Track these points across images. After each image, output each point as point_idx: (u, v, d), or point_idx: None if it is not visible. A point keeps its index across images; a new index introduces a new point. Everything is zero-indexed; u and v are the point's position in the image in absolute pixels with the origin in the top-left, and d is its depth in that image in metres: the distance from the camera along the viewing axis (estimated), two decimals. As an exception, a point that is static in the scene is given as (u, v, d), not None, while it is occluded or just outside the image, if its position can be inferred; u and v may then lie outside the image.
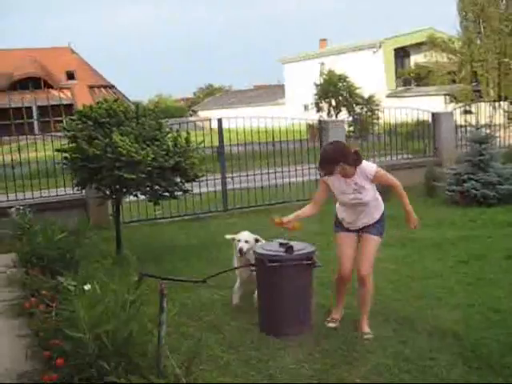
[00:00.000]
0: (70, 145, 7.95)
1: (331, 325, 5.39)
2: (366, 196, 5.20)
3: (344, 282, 5.47)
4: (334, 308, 5.58)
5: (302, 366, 4.66)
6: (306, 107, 36.69)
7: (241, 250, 5.87)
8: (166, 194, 8.07)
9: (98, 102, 8.40)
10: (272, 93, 57.33)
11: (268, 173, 12.62)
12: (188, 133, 8.42)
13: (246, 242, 5.93)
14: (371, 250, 5.33)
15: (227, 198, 12.23)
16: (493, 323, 5.41)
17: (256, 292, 5.85)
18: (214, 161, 12.41)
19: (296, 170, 12.84)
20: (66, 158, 8.07)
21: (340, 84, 32.38)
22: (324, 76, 33.91)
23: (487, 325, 5.38)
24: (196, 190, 10.55)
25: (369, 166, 5.20)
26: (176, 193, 8.18)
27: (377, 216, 5.33)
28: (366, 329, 5.30)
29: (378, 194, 5.33)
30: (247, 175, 12.52)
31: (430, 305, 5.98)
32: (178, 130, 8.53)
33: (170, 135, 8.22)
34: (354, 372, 4.52)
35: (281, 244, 5.35)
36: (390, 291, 6.39)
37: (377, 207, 5.34)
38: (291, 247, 5.25)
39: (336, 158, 5.08)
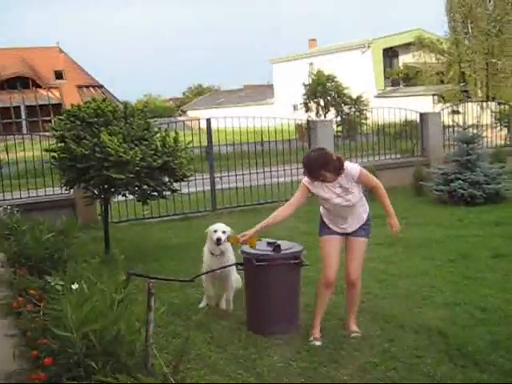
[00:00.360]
0: (58, 144, 7.94)
1: (318, 343, 5.12)
2: (353, 198, 5.14)
3: (329, 288, 5.31)
4: (315, 327, 5.27)
5: (290, 364, 4.69)
6: (295, 107, 36.83)
7: (219, 240, 5.77)
8: (155, 193, 8.07)
9: (86, 102, 8.40)
10: (261, 93, 57.39)
11: (257, 172, 12.65)
12: (176, 132, 8.43)
13: (224, 232, 5.85)
14: (361, 252, 5.30)
15: (216, 197, 12.24)
16: (479, 321, 5.46)
17: (225, 296, 6.01)
18: (203, 161, 12.42)
19: (284, 169, 12.86)
20: (54, 157, 8.06)
21: (328, 84, 32.50)
22: (312, 76, 34.02)
23: (473, 323, 5.43)
24: (185, 190, 10.56)
25: (353, 169, 5.11)
26: (164, 192, 8.19)
27: (364, 217, 5.29)
28: (354, 327, 5.32)
29: (362, 194, 5.29)
30: (236, 175, 12.54)
31: (416, 303, 6.03)
32: (166, 130, 8.54)
33: (158, 135, 8.22)
34: (341, 370, 4.56)
35: (268, 243, 5.38)
36: (378, 290, 6.43)
37: (363, 208, 5.30)
38: (279, 246, 5.28)
39: (317, 166, 5.01)
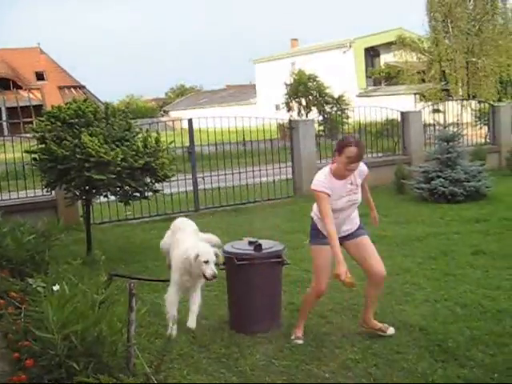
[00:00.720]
0: (39, 146, 7.92)
1: (299, 341, 5.10)
2: (359, 197, 5.02)
3: (319, 297, 5.24)
4: (298, 327, 5.24)
5: (272, 362, 4.71)
6: (277, 107, 36.88)
7: (215, 277, 5.15)
8: (137, 194, 8.06)
9: (66, 103, 8.37)
10: (243, 93, 57.40)
11: (239, 172, 12.66)
12: (158, 133, 8.43)
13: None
14: (374, 248, 5.16)
15: (198, 197, 12.24)
16: (459, 317, 5.52)
17: (192, 310, 5.31)
18: (186, 161, 12.42)
19: (267, 169, 12.89)
20: (34, 159, 8.03)
21: (310, 84, 32.58)
22: (294, 76, 34.09)
23: (453, 319, 5.49)
24: (167, 191, 10.56)
25: (363, 165, 5.03)
26: (146, 193, 8.18)
27: (357, 221, 5.17)
28: (381, 324, 5.20)
29: None
30: (218, 175, 12.55)
31: (398, 300, 6.08)
32: (147, 130, 8.53)
33: (139, 135, 8.22)
34: (322, 367, 4.59)
35: (250, 242, 5.39)
36: (359, 287, 6.37)
37: (357, 210, 5.18)
38: (260, 245, 5.29)
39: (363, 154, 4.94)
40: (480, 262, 7.37)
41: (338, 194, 4.87)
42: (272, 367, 4.64)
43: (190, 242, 5.38)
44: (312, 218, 5.14)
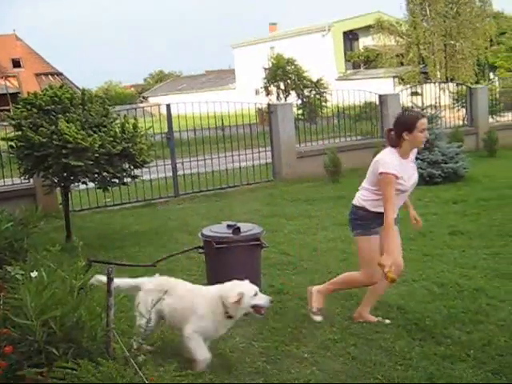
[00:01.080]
0: (16, 133, 7.85)
1: (318, 318, 5.09)
2: (417, 177, 4.90)
3: None
4: (321, 295, 5.19)
5: (252, 344, 4.75)
6: (256, 91, 36.83)
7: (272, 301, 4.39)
8: (115, 180, 8.03)
9: (43, 90, 8.30)
10: (223, 78, 57.18)
11: (218, 157, 12.66)
12: (135, 119, 8.40)
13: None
14: (400, 240, 5.06)
15: (178, 183, 12.22)
16: (436, 296, 5.61)
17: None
18: (165, 147, 12.39)
19: (246, 154, 12.89)
20: (11, 146, 7.97)
21: (288, 67, 32.57)
22: (272, 60, 34.04)
23: (431, 298, 5.57)
24: (147, 177, 10.53)
25: None
26: (125, 179, 8.16)
27: None
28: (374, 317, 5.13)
29: None
30: (197, 160, 12.54)
31: (376, 281, 6.13)
32: (125, 116, 8.49)
33: (117, 121, 8.18)
34: (301, 348, 4.63)
35: (228, 225, 5.41)
36: (338, 269, 6.49)
37: None
38: (238, 228, 5.32)
39: None
40: (457, 242, 7.47)
41: (408, 173, 4.74)
42: (252, 349, 4.68)
43: (213, 288, 4.48)
44: (358, 208, 4.86)
